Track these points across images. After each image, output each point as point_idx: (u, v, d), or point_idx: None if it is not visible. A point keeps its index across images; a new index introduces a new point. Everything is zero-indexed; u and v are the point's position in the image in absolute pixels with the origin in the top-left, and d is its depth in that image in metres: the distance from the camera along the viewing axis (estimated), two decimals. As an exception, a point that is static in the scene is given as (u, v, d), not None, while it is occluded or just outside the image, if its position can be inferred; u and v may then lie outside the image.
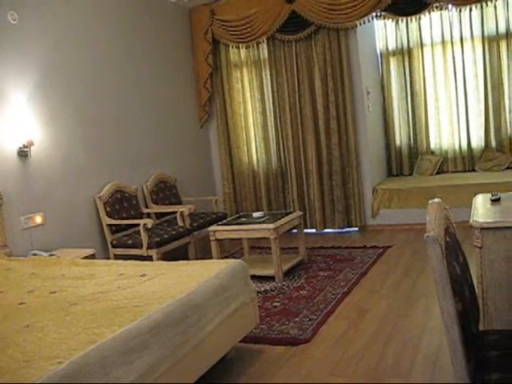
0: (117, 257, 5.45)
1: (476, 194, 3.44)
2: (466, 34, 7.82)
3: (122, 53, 6.26)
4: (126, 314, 2.74)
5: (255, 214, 5.66)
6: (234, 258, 5.66)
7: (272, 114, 7.58)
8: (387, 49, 8.34)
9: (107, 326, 2.58)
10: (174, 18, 7.33)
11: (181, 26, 7.49)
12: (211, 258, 5.34)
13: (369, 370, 3.32)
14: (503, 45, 7.65)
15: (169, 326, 2.77)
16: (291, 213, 5.77)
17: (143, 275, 3.49)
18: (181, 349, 2.84)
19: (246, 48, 7.60)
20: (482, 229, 2.63)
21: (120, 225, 5.71)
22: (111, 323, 2.62)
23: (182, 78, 7.43)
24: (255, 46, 7.54)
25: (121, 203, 5.83)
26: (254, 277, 4.99)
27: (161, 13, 7.03)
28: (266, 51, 7.52)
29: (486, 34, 7.71)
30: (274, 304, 4.64)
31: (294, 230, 5.91)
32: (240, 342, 3.61)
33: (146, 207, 6.33)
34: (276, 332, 4.03)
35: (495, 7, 7.55)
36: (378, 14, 7.06)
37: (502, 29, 7.61)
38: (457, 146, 8.07)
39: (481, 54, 7.77)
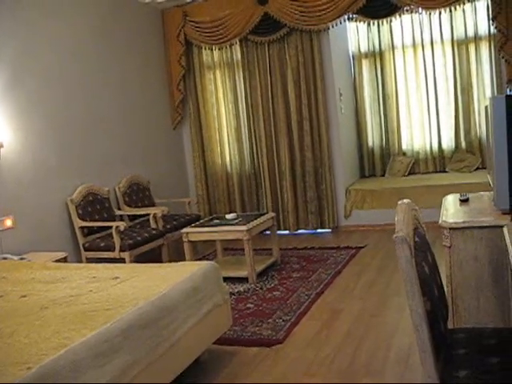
0: (89, 260, 5.40)
1: (446, 195, 3.49)
2: (436, 37, 7.94)
3: (93, 54, 6.20)
4: (97, 317, 2.72)
5: (228, 216, 5.66)
6: (208, 259, 5.65)
7: (245, 116, 7.59)
8: (359, 51, 8.42)
9: (78, 330, 2.55)
10: (146, 19, 7.29)
11: (153, 27, 7.46)
12: (184, 260, 5.32)
13: (342, 370, 3.34)
14: (472, 48, 7.79)
15: (141, 328, 2.76)
16: (264, 214, 5.79)
17: (115, 278, 3.46)
18: (153, 351, 2.82)
19: (219, 50, 7.60)
20: (451, 229, 2.67)
21: (92, 227, 5.66)
22: (82, 327, 2.59)
23: (154, 80, 7.40)
24: (228, 47, 7.54)
25: (93, 205, 5.77)
26: (227, 278, 4.98)
27: (132, 14, 6.98)
28: (239, 53, 7.53)
29: (455, 37, 7.84)
30: (248, 305, 4.64)
31: (268, 232, 5.93)
32: (213, 343, 3.60)
33: (119, 209, 6.28)
34: (249, 333, 4.03)
35: (464, 11, 7.69)
36: (350, 16, 7.14)
37: (471, 33, 7.74)
38: (428, 148, 8.19)
39: (451, 57, 7.90)
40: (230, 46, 7.50)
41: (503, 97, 2.68)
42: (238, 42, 7.41)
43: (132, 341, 2.67)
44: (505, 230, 2.24)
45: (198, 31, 7.41)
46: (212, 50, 7.63)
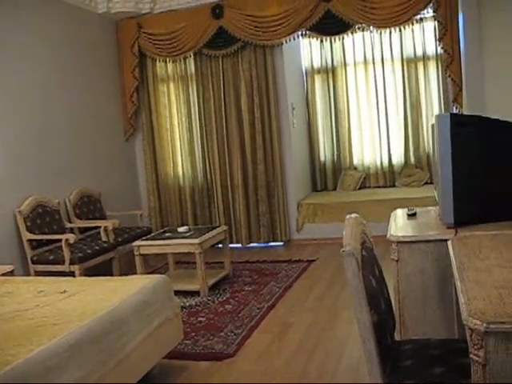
0: (37, 273, 5.27)
1: (395, 209, 3.57)
2: (387, 55, 8.16)
3: (44, 64, 6.11)
4: (44, 332, 2.66)
5: (180, 229, 5.64)
6: (160, 273, 5.59)
7: (198, 129, 7.59)
8: (312, 67, 8.55)
9: (24, 346, 2.49)
10: (99, 29, 7.22)
11: (107, 38, 7.39)
12: (136, 273, 5.26)
13: (293, 382, 3.36)
14: (420, 67, 8.04)
15: (89, 343, 2.71)
16: (216, 227, 5.79)
17: (64, 292, 3.40)
18: (102, 367, 2.78)
19: (173, 62, 7.59)
20: (399, 242, 2.73)
21: (41, 240, 5.54)
22: (28, 343, 2.53)
23: (107, 91, 7.32)
24: (182, 60, 7.54)
25: (42, 218, 5.66)
26: (179, 292, 4.96)
27: (86, 24, 6.90)
28: (193, 66, 7.53)
29: (404, 56, 8.08)
30: (199, 319, 4.62)
31: (220, 245, 5.93)
32: (164, 358, 3.57)
33: (69, 222, 6.17)
34: (201, 347, 4.01)
35: (413, 31, 7.95)
36: (304, 32, 7.23)
37: (419, 52, 8.01)
38: (378, 162, 8.36)
39: (400, 74, 8.13)
40: (184, 58, 7.50)
41: (448, 115, 2.77)
42: (192, 55, 7.43)
43: (80, 356, 2.63)
44: (449, 243, 2.31)
45: (152, 43, 7.39)
46: (166, 62, 7.61)
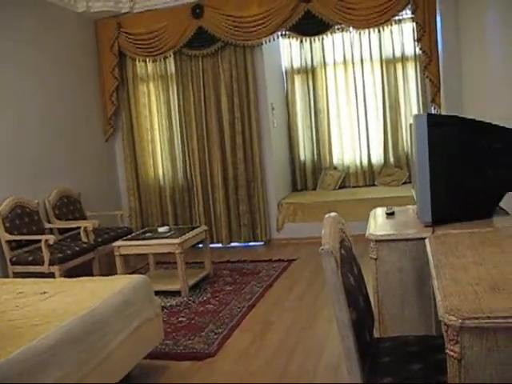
0: (16, 275, 5.23)
1: (375, 208, 3.60)
2: (366, 55, 8.22)
3: (24, 63, 6.06)
4: (24, 333, 2.65)
5: (161, 229, 5.63)
6: (140, 273, 5.58)
7: (178, 129, 7.58)
8: (292, 67, 8.58)
9: (3, 348, 2.47)
10: (79, 29, 7.16)
11: (86, 37, 7.34)
12: (116, 273, 5.24)
13: (273, 382, 3.38)
14: (399, 67, 8.12)
15: (70, 344, 2.71)
16: (197, 227, 5.79)
17: (44, 293, 3.38)
18: (83, 367, 2.77)
19: (153, 62, 7.57)
20: (377, 241, 2.76)
21: (20, 241, 5.49)
22: (8, 344, 2.52)
23: (86, 91, 7.28)
24: (162, 60, 7.52)
25: (21, 218, 5.61)
26: (159, 292, 4.96)
27: (64, 23, 6.85)
28: (173, 66, 7.52)
29: (383, 56, 8.14)
30: (180, 319, 4.62)
31: (200, 245, 5.93)
32: (145, 358, 3.56)
33: (49, 222, 6.13)
34: (181, 347, 4.01)
35: (391, 32, 8.02)
36: (284, 33, 7.27)
37: (398, 52, 8.09)
38: (358, 162, 8.42)
39: (379, 75, 8.20)
40: (164, 58, 7.49)
41: (425, 115, 2.81)
42: (172, 55, 7.41)
43: (61, 357, 2.62)
44: (427, 242, 2.34)
45: (131, 43, 7.36)
46: (146, 62, 7.58)
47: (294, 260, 6.33)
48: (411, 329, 2.78)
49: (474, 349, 1.46)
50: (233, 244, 7.42)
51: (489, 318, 1.43)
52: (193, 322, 4.54)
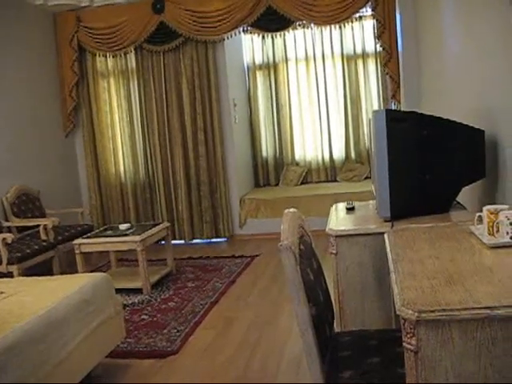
0: (-27, 274, 5.12)
1: (337, 203, 3.63)
2: (327, 51, 8.27)
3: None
4: (-21, 334, 2.59)
5: (122, 226, 5.57)
6: (102, 271, 5.51)
7: (139, 125, 7.52)
8: (254, 63, 8.58)
9: (-42, 349, 2.42)
10: (36, 21, 7.01)
11: (44, 31, 7.18)
12: (77, 272, 5.17)
13: (236, 378, 3.39)
14: (360, 64, 8.20)
15: (28, 344, 2.66)
16: (159, 224, 5.75)
17: (1, 293, 3.31)
18: (42, 368, 2.73)
19: (114, 57, 7.47)
20: (337, 236, 2.78)
21: (-24, 240, 5.37)
22: (-37, 345, 2.46)
23: (45, 86, 7.14)
24: (123, 55, 7.44)
25: (-23, 217, 5.49)
26: (121, 290, 4.92)
27: (22, 16, 6.70)
28: (133, 61, 7.44)
29: (345, 52, 8.21)
30: (142, 317, 4.59)
31: (163, 242, 5.89)
32: (106, 357, 3.52)
33: (7, 221, 6.00)
34: (144, 345, 3.98)
35: (352, 29, 8.08)
36: (245, 28, 7.27)
37: (359, 49, 8.16)
38: (320, 158, 8.47)
39: (341, 71, 8.26)
40: (125, 53, 7.41)
41: (383, 111, 2.84)
42: (132, 50, 7.34)
43: (18, 358, 2.57)
44: (386, 236, 2.37)
45: (91, 37, 7.25)
46: (106, 57, 7.49)
47: (257, 256, 6.35)
48: (371, 323, 2.81)
49: (430, 341, 1.48)
50: (195, 240, 7.40)
51: (444, 310, 1.45)
52: (155, 319, 4.51)
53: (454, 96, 4.13)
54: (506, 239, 1.97)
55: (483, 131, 2.88)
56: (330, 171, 8.47)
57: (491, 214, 2.06)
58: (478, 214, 2.20)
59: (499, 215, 2.01)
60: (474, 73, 3.43)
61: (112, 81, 7.61)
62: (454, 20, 4.03)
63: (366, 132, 8.24)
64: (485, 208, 2.11)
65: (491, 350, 1.46)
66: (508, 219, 1.97)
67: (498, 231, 2.01)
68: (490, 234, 2.06)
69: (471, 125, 2.92)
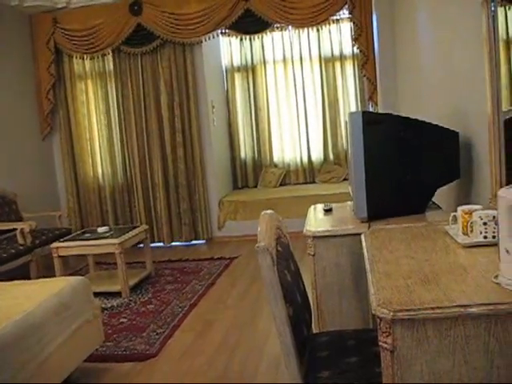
0: None
1: (314, 205, 3.65)
2: (305, 54, 8.31)
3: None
4: (-45, 340, 2.56)
5: (100, 229, 5.54)
6: (80, 274, 5.47)
7: (117, 127, 7.47)
8: (232, 65, 8.58)
9: None
10: (12, 22, 6.93)
11: (20, 32, 7.10)
12: (55, 276, 5.12)
13: (215, 380, 3.39)
14: (338, 66, 8.25)
15: (4, 349, 2.63)
16: (137, 227, 5.73)
17: (-24, 298, 3.28)
18: (19, 373, 2.71)
19: (91, 59, 7.42)
20: (314, 237, 2.80)
21: (-49, 244, 5.31)
22: None
23: (21, 88, 7.06)
24: (100, 57, 7.39)
25: (-48, 221, 5.41)
26: (100, 293, 4.90)
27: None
28: (111, 63, 7.40)
29: (322, 55, 8.25)
30: (121, 320, 4.56)
31: (141, 245, 5.86)
32: (85, 361, 3.50)
33: (-18, 225, 5.93)
34: (123, 349, 3.96)
35: (330, 32, 8.13)
36: (223, 31, 7.27)
37: (336, 51, 8.22)
38: (298, 159, 8.50)
39: (318, 73, 8.30)
40: (103, 55, 7.36)
41: (360, 113, 2.87)
42: (110, 52, 7.29)
43: (-5, 362, 2.54)
44: (362, 237, 2.39)
45: (68, 39, 7.19)
46: (83, 59, 7.42)
47: (236, 258, 6.35)
48: (349, 323, 2.84)
49: (406, 340, 1.50)
50: (174, 243, 7.38)
51: (419, 309, 1.48)
52: (134, 322, 4.49)
53: (429, 98, 4.19)
54: (480, 239, 2.00)
55: (458, 133, 2.93)
56: (309, 173, 8.51)
57: (465, 214, 2.09)
58: (452, 214, 2.24)
59: (473, 215, 2.04)
60: (448, 75, 3.48)
61: (89, 83, 7.56)
62: (428, 22, 4.08)
63: (343, 134, 8.28)
64: (459, 208, 2.15)
65: (465, 348, 1.48)
66: (481, 219, 2.00)
67: (471, 231, 2.04)
68: (464, 234, 2.09)
69: (446, 126, 2.96)
